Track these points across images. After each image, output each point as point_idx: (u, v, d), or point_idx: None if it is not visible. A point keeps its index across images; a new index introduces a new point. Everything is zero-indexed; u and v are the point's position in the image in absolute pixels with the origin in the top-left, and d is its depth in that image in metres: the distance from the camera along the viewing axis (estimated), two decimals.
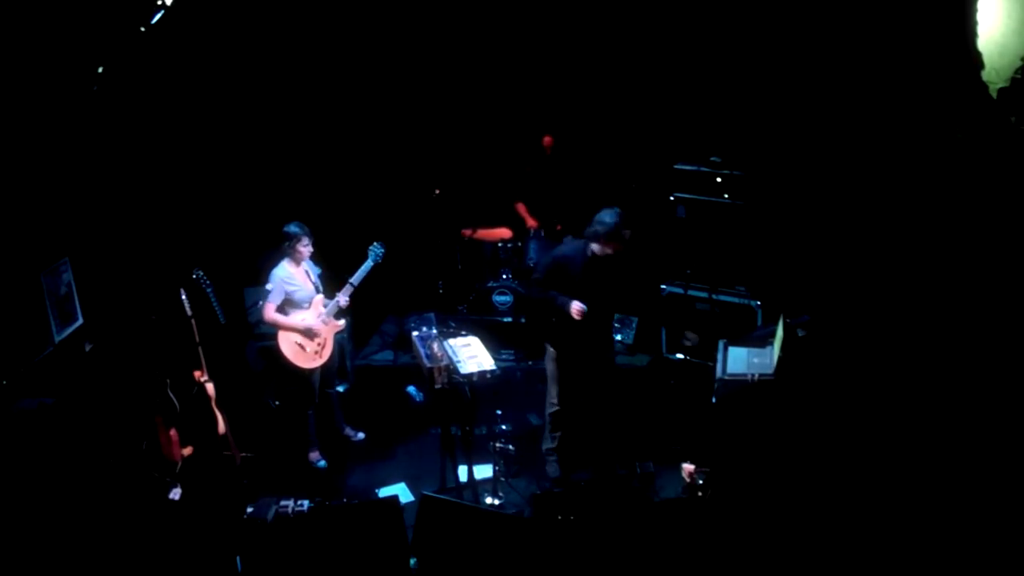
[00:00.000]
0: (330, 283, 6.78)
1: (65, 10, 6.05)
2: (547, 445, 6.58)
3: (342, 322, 6.78)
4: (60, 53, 6.14)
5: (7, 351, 5.91)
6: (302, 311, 6.60)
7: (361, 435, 7.21)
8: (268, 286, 6.55)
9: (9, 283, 6.02)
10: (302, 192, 8.20)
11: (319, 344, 6.63)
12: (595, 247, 6.01)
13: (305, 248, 6.52)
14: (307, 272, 6.63)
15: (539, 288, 6.22)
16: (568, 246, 6.40)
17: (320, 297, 6.63)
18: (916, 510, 4.98)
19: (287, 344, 6.56)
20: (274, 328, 6.61)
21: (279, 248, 6.54)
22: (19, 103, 5.99)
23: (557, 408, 6.45)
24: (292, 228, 6.49)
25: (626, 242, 6.00)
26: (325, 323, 6.62)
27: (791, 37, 7.28)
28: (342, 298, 6.60)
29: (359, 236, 6.93)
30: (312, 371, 6.67)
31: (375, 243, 6.67)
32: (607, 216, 5.95)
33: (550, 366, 6.45)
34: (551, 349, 6.42)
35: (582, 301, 6.02)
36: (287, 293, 6.53)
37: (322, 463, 6.88)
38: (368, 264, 6.62)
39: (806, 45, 7.14)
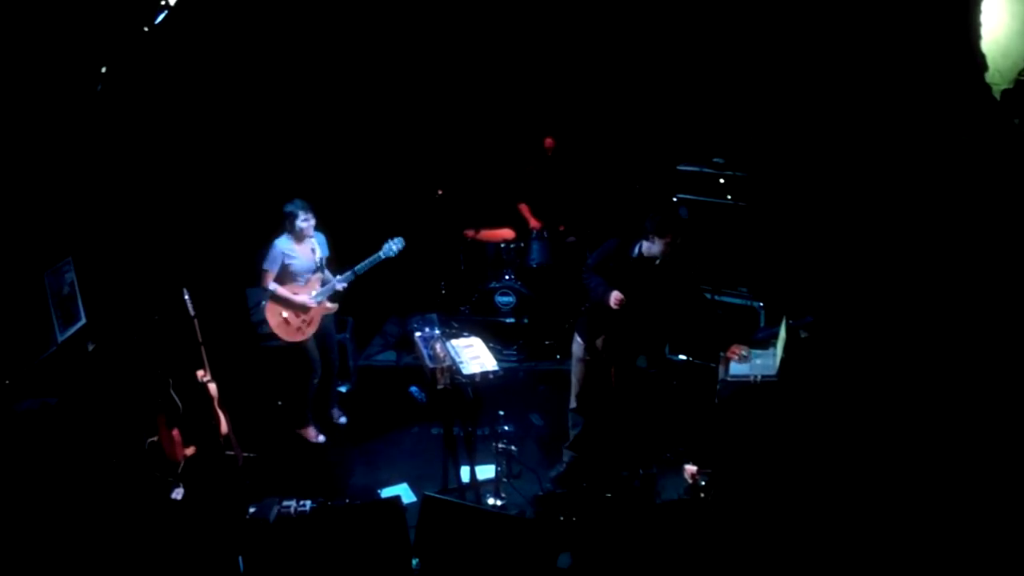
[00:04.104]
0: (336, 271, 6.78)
1: (69, 10, 6.05)
2: (567, 443, 6.54)
3: (335, 305, 6.82)
4: (64, 53, 6.14)
5: (10, 351, 5.91)
6: (297, 285, 6.65)
7: (343, 419, 7.27)
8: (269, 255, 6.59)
9: (12, 283, 6.03)
10: (304, 193, 8.17)
11: (304, 321, 6.68)
12: (645, 244, 5.99)
13: (306, 223, 6.56)
14: (312, 249, 6.65)
15: (589, 273, 6.18)
16: (623, 241, 6.23)
17: (319, 276, 6.68)
18: (918, 511, 4.98)
19: (273, 314, 6.63)
20: (269, 296, 6.63)
21: (281, 227, 6.60)
22: (23, 103, 6.00)
23: (574, 405, 6.42)
24: (288, 206, 6.56)
25: (674, 243, 5.92)
26: (318, 303, 6.68)
27: (794, 38, 7.27)
28: (339, 283, 6.67)
29: (360, 236, 6.93)
30: (300, 343, 6.73)
31: (395, 238, 6.69)
32: (656, 214, 5.96)
33: (574, 360, 6.40)
34: (579, 340, 6.34)
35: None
36: (285, 263, 6.58)
37: (321, 438, 6.98)
38: (378, 256, 6.65)
39: (809, 46, 7.14)
